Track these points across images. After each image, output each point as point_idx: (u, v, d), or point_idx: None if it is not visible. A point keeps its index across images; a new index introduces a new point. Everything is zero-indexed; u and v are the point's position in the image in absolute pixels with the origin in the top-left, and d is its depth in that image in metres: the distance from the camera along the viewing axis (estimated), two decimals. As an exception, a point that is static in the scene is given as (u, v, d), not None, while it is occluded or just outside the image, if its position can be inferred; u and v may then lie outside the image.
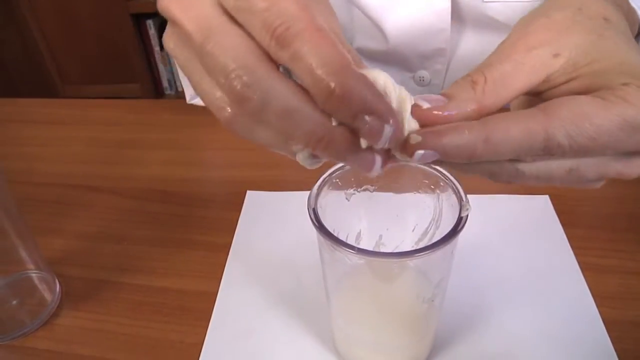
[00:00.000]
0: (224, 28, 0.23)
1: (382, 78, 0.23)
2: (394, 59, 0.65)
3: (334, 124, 0.22)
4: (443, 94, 0.25)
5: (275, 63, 0.23)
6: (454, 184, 0.32)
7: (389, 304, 0.36)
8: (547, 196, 0.53)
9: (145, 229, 0.54)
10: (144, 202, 0.57)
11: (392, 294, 0.35)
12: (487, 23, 0.60)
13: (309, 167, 0.26)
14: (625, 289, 0.44)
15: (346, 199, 0.36)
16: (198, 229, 0.53)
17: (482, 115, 0.25)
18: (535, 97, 0.27)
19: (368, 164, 0.23)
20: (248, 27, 0.23)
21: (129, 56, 2.00)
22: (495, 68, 0.25)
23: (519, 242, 0.49)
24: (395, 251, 0.38)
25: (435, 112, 0.24)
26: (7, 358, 0.44)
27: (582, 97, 0.24)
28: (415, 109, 0.24)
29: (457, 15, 0.61)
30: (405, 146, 0.23)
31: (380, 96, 0.22)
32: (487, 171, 0.25)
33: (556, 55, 0.25)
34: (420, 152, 0.23)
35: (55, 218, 0.56)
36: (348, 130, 0.22)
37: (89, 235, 0.54)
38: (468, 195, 0.51)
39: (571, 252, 0.47)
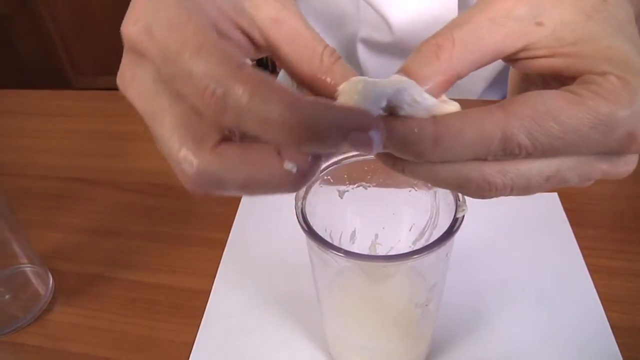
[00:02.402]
0: (161, 111, 0.22)
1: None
2: (399, 50, 0.63)
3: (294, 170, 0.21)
4: (402, 70, 0.23)
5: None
6: (450, 183, 0.31)
7: (380, 309, 0.34)
8: (555, 194, 0.51)
9: (142, 223, 0.53)
10: (141, 196, 0.56)
11: (384, 298, 0.34)
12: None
13: None
14: (635, 293, 0.42)
15: (339, 196, 0.34)
16: (194, 224, 0.52)
17: (453, 82, 0.23)
18: (512, 64, 0.24)
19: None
20: (187, 96, 0.21)
21: (141, 47, 1.99)
22: (467, 28, 0.23)
23: (524, 242, 0.47)
24: (390, 252, 0.36)
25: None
26: (-2, 354, 0.43)
27: (549, 92, 0.21)
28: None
29: (465, 5, 0.59)
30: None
31: (350, 111, 0.20)
32: (454, 181, 0.22)
33: (539, 24, 0.23)
34: (374, 134, 0.20)
35: (52, 212, 0.55)
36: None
37: (84, 229, 0.53)
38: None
39: (579, 253, 0.45)
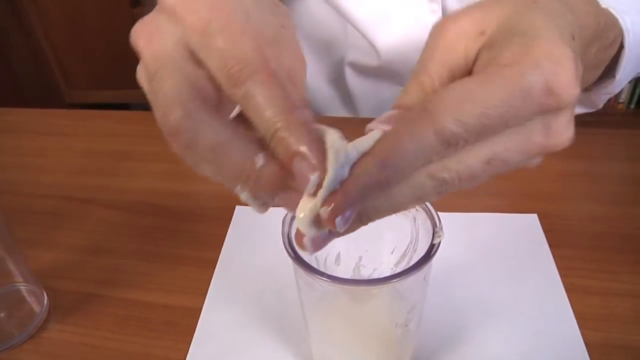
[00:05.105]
0: (175, 64, 0.25)
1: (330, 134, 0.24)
2: (387, 73, 0.66)
3: (260, 163, 0.23)
4: (397, 107, 0.26)
5: (214, 103, 0.25)
6: (428, 209, 0.32)
7: (363, 329, 0.36)
8: (535, 215, 0.53)
9: (135, 242, 0.54)
10: (134, 216, 0.58)
11: (366, 319, 0.36)
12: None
13: (257, 211, 0.27)
14: (609, 311, 0.44)
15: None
16: (186, 243, 0.54)
17: None
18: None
19: (293, 204, 0.23)
20: (207, 64, 0.24)
21: (134, 62, 2.01)
22: (437, 61, 0.25)
23: (504, 262, 0.48)
24: (373, 274, 0.38)
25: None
26: (-6, 371, 0.44)
27: (461, 80, 0.23)
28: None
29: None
30: (322, 223, 0.23)
31: (315, 145, 0.22)
32: (412, 198, 0.24)
33: (482, 34, 0.25)
34: (339, 218, 0.22)
35: (47, 230, 0.57)
36: (275, 172, 0.23)
37: (79, 248, 0.54)
38: (456, 213, 0.52)
39: (557, 272, 0.47)
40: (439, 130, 0.22)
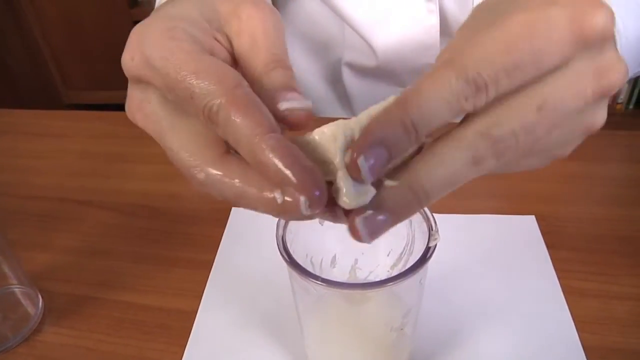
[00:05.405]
0: (172, 125, 0.25)
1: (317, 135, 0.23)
2: (384, 74, 0.65)
3: (280, 199, 0.22)
4: None
5: (222, 144, 0.25)
6: (424, 212, 0.32)
7: (358, 332, 0.36)
8: (533, 216, 0.53)
9: (131, 244, 0.54)
10: (130, 218, 0.57)
11: (361, 323, 0.35)
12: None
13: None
14: (607, 314, 0.44)
15: (319, 222, 0.36)
16: (182, 245, 0.53)
17: None
18: None
19: (336, 216, 0.23)
20: (191, 113, 0.24)
21: (133, 62, 2.00)
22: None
23: (501, 265, 0.48)
24: (369, 276, 0.38)
25: None
26: (-13, 374, 0.44)
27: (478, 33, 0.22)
28: None
29: (446, 30, 0.61)
30: (349, 167, 0.22)
31: (296, 163, 0.21)
32: (467, 161, 0.22)
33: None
34: (362, 160, 0.21)
35: (42, 232, 0.56)
36: (295, 202, 0.22)
37: (74, 250, 0.54)
38: (452, 215, 0.51)
39: (554, 275, 0.47)
40: (460, 70, 0.21)
